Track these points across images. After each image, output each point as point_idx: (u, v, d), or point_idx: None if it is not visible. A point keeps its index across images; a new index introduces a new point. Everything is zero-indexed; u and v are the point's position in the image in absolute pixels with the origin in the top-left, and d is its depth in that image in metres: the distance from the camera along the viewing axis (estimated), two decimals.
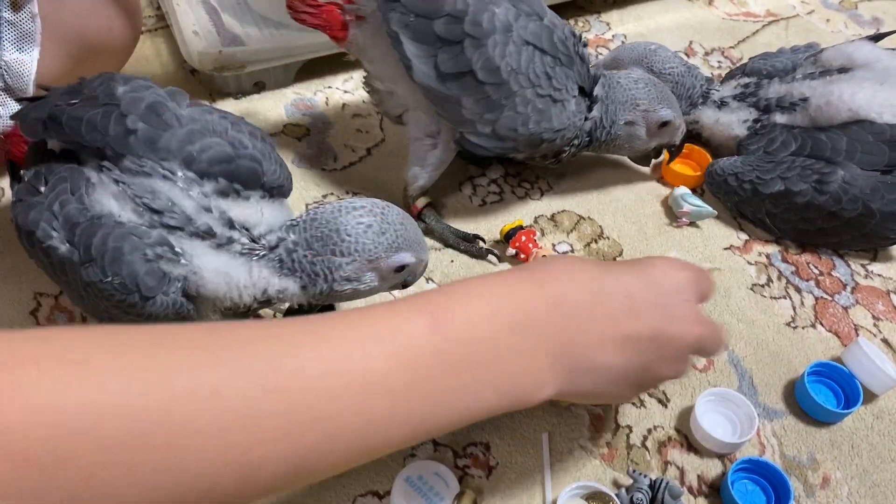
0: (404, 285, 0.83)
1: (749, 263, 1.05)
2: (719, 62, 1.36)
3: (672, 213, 1.10)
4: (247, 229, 0.74)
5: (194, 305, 0.74)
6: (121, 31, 1.05)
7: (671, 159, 1.10)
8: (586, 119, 0.99)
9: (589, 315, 0.60)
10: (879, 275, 1.05)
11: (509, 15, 0.91)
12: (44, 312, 0.92)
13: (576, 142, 1.01)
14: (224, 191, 0.74)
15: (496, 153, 1.00)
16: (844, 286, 1.04)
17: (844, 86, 1.04)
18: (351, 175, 1.12)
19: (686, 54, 1.37)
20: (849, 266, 1.06)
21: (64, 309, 0.92)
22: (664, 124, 1.02)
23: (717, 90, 1.12)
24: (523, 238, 1.01)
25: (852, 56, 1.09)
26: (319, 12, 0.96)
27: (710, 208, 1.07)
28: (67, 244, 0.71)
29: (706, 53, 1.38)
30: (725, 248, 1.07)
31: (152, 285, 0.69)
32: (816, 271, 1.05)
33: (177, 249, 0.70)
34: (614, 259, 1.04)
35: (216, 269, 0.72)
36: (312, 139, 1.16)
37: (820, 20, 1.48)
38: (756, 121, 1.09)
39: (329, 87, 1.23)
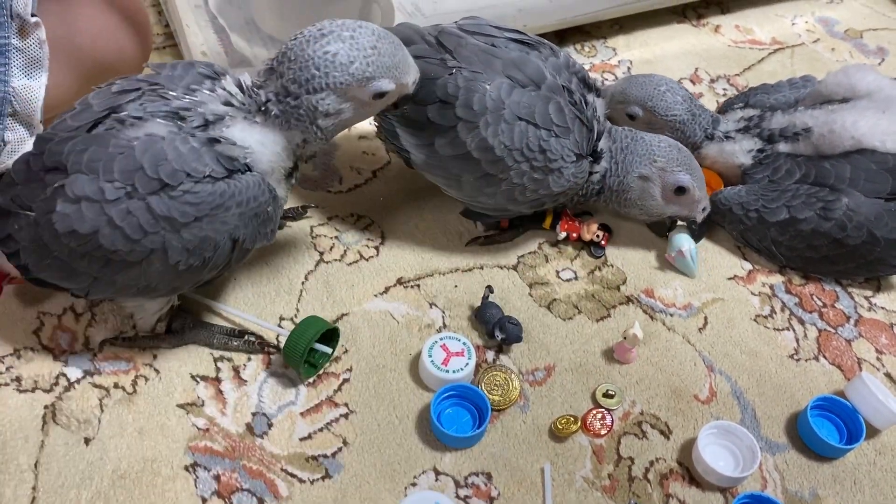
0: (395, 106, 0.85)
1: (753, 294, 1.05)
2: (724, 90, 1.37)
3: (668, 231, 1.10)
4: (250, 87, 0.79)
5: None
6: (131, 52, 1.06)
7: (697, 240, 1.06)
8: (591, 173, 0.99)
9: None
10: (883, 307, 1.05)
11: (501, 91, 0.91)
12: (46, 332, 0.92)
13: (582, 192, 1.01)
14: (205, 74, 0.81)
15: (503, 218, 1.03)
16: (848, 318, 1.03)
17: (847, 115, 1.05)
18: (356, 197, 1.12)
19: (692, 81, 1.38)
20: (852, 298, 1.06)
21: (67, 329, 0.92)
22: (681, 190, 0.98)
23: (722, 130, 1.12)
24: (569, 220, 1.07)
25: (855, 86, 1.09)
26: None
27: (696, 269, 1.05)
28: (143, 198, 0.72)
29: (712, 81, 1.39)
30: (729, 279, 1.07)
31: (227, 167, 0.75)
32: (820, 303, 1.05)
33: (219, 135, 0.76)
34: (617, 287, 1.04)
35: (260, 142, 0.78)
36: (318, 161, 1.16)
37: (825, 49, 1.48)
38: (760, 150, 1.09)
39: None
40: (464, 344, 0.91)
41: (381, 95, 0.79)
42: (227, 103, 0.78)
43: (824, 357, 0.99)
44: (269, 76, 0.78)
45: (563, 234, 1.06)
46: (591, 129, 0.97)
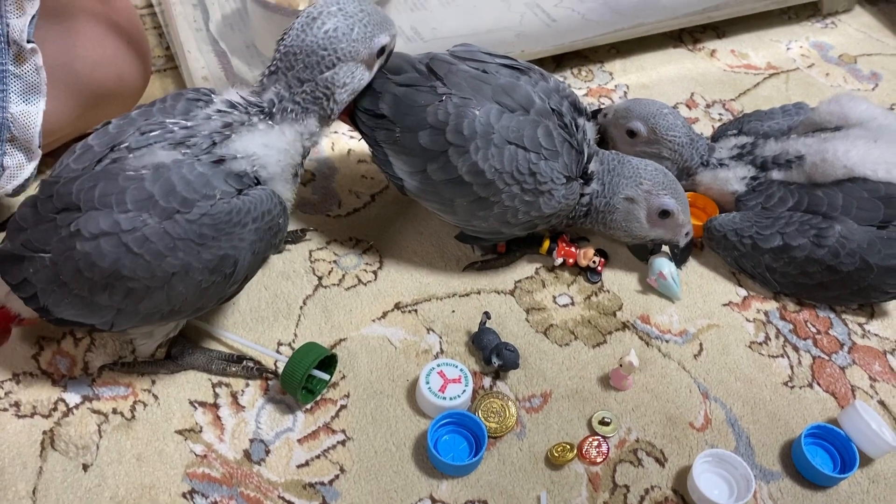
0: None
1: (748, 321, 1.06)
2: (720, 114, 1.38)
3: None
4: (244, 98, 0.83)
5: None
6: (131, 78, 1.07)
7: (679, 265, 1.07)
8: (583, 195, 1.01)
9: None
10: (876, 334, 1.06)
11: (490, 116, 0.93)
12: (45, 357, 0.92)
13: (572, 214, 1.02)
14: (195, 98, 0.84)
15: (497, 241, 1.05)
16: (842, 345, 1.04)
17: (839, 143, 1.06)
18: (355, 221, 1.13)
19: (687, 106, 1.39)
20: (846, 325, 1.07)
21: (66, 354, 0.93)
22: (665, 214, 1.00)
23: (717, 157, 1.13)
24: (565, 246, 1.07)
25: (847, 115, 1.11)
26: None
27: (679, 291, 1.06)
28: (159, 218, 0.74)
29: (707, 105, 1.40)
30: (724, 305, 1.08)
31: (237, 186, 0.78)
32: (814, 329, 1.06)
33: (224, 153, 0.79)
34: (613, 313, 1.05)
35: (264, 145, 0.81)
36: (318, 184, 1.17)
37: (819, 74, 1.50)
38: (754, 178, 1.11)
39: (335, 132, 1.25)
40: (461, 370, 0.92)
41: (382, 51, 0.86)
42: (225, 122, 0.81)
43: (818, 384, 0.99)
44: (270, 80, 0.83)
45: (560, 260, 1.07)
46: (580, 151, 0.99)
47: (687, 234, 1.03)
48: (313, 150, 1.18)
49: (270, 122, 0.83)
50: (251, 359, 0.93)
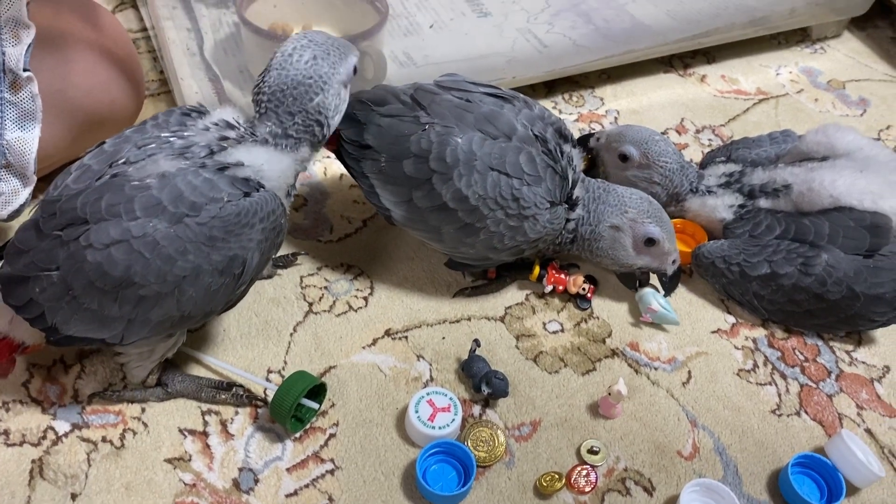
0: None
1: (736, 348, 1.06)
2: (710, 140, 1.40)
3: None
4: (237, 121, 0.86)
5: None
6: (124, 103, 1.08)
7: (666, 294, 1.08)
8: (568, 220, 1.02)
9: None
10: (864, 362, 1.07)
11: (473, 143, 0.95)
12: (35, 385, 0.92)
13: (557, 240, 1.03)
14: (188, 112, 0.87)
15: (486, 267, 1.06)
16: (829, 373, 1.05)
17: (826, 173, 1.07)
18: (346, 247, 1.13)
19: (678, 132, 1.40)
20: (833, 352, 1.08)
21: (56, 381, 0.93)
22: (650, 242, 1.01)
23: (705, 184, 1.14)
24: (554, 272, 1.08)
25: (834, 145, 1.12)
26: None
27: (675, 316, 1.06)
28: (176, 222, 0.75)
29: (697, 131, 1.41)
30: (713, 332, 1.08)
31: (243, 188, 0.80)
32: (802, 357, 1.06)
33: (227, 161, 0.81)
34: (603, 340, 1.05)
35: (265, 160, 0.83)
36: (309, 209, 1.18)
37: (808, 99, 1.52)
38: (742, 206, 1.12)
39: (328, 157, 1.25)
40: (450, 399, 0.92)
41: (354, 70, 0.90)
42: (222, 135, 0.83)
43: (806, 413, 1.00)
44: (262, 122, 0.85)
45: (550, 287, 1.08)
46: (564, 177, 1.00)
47: (674, 261, 1.04)
48: (304, 175, 1.20)
49: (274, 143, 0.86)
50: (241, 386, 0.93)
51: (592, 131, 1.22)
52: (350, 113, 1.00)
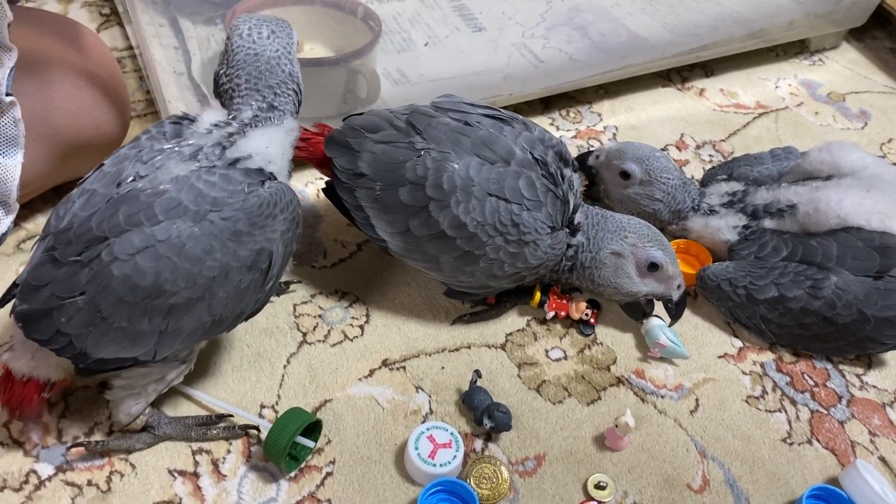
0: None
1: (744, 373, 1.03)
2: (710, 156, 1.37)
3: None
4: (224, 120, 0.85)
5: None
6: (109, 127, 1.04)
7: (672, 321, 1.04)
8: (569, 245, 0.99)
9: None
10: (875, 386, 1.04)
11: (470, 169, 0.92)
12: (17, 425, 0.88)
13: (557, 268, 1.00)
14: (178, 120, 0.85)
15: (486, 295, 1.03)
16: (840, 398, 1.02)
17: (831, 193, 1.04)
18: (341, 273, 1.10)
19: (677, 148, 1.38)
20: (843, 377, 1.05)
21: (39, 422, 0.89)
22: (654, 266, 0.98)
23: (707, 203, 1.12)
24: (556, 298, 1.05)
25: (838, 164, 1.09)
26: (306, 145, 0.97)
27: (685, 350, 1.03)
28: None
29: (697, 147, 1.39)
30: (720, 357, 1.05)
31: (259, 178, 0.80)
32: (811, 382, 1.03)
33: (237, 155, 0.81)
34: (608, 368, 1.02)
35: (267, 141, 0.83)
36: (302, 234, 1.14)
37: (808, 112, 1.49)
38: (746, 226, 1.09)
39: (321, 178, 1.22)
40: (451, 434, 0.89)
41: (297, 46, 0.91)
42: (225, 133, 0.82)
43: (817, 440, 0.97)
44: (244, 103, 0.84)
45: (552, 314, 1.04)
46: (565, 201, 0.97)
47: (679, 286, 1.01)
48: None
49: (266, 118, 0.85)
50: (230, 415, 0.90)
51: (591, 149, 1.19)
52: (343, 141, 0.97)
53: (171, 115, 0.89)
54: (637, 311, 1.04)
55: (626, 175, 1.11)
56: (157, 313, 0.75)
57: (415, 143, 0.94)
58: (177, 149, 0.79)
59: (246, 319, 0.85)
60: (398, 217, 0.95)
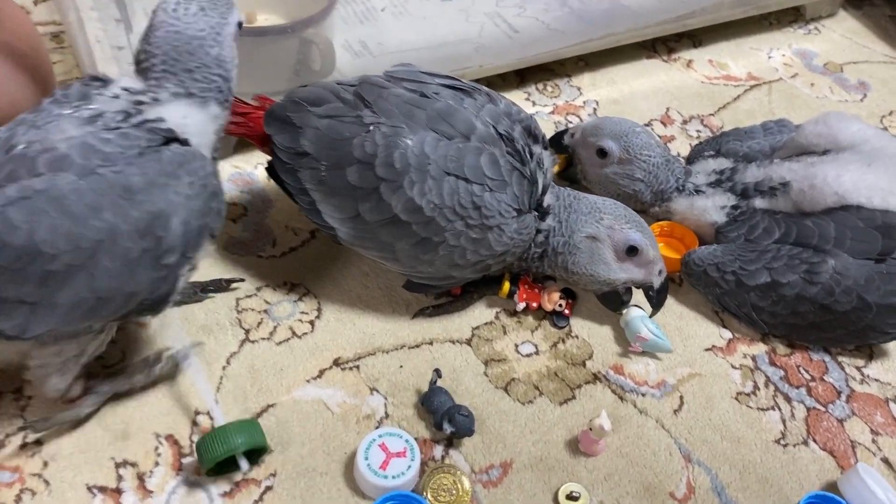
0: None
1: (733, 367, 0.94)
2: (698, 131, 1.27)
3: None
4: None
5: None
6: (26, 104, 0.93)
7: (654, 311, 0.94)
8: (539, 231, 0.89)
9: None
10: (877, 379, 0.95)
11: (425, 145, 0.83)
12: None
13: (525, 255, 0.91)
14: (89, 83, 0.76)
15: (448, 287, 0.93)
16: (839, 393, 0.93)
17: (828, 168, 0.95)
18: (291, 263, 1.00)
19: (662, 123, 1.28)
20: (842, 369, 0.96)
21: None
22: (633, 250, 0.88)
23: (693, 182, 1.02)
24: (527, 287, 0.95)
25: (836, 137, 1.00)
26: (245, 121, 0.87)
27: (669, 343, 0.93)
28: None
29: (684, 121, 1.29)
30: (707, 349, 0.96)
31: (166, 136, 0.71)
32: (808, 376, 0.94)
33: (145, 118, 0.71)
34: (583, 363, 0.93)
35: (183, 115, 0.73)
36: (249, 220, 1.04)
37: (804, 84, 1.39)
38: (735, 206, 1.00)
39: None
40: (406, 442, 0.80)
41: (240, 26, 0.79)
42: (136, 100, 0.73)
43: (814, 441, 0.88)
44: (160, 83, 0.74)
45: (523, 305, 0.95)
46: (533, 181, 0.87)
47: (660, 272, 0.91)
48: (244, 180, 1.07)
49: (180, 98, 0.75)
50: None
51: (567, 126, 1.10)
52: (283, 116, 0.87)
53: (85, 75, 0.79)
54: (615, 300, 0.94)
55: (602, 153, 1.02)
56: (29, 278, 0.65)
57: (363, 117, 0.84)
58: (76, 114, 0.70)
59: (150, 312, 0.75)
60: (346, 201, 0.85)
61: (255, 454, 0.79)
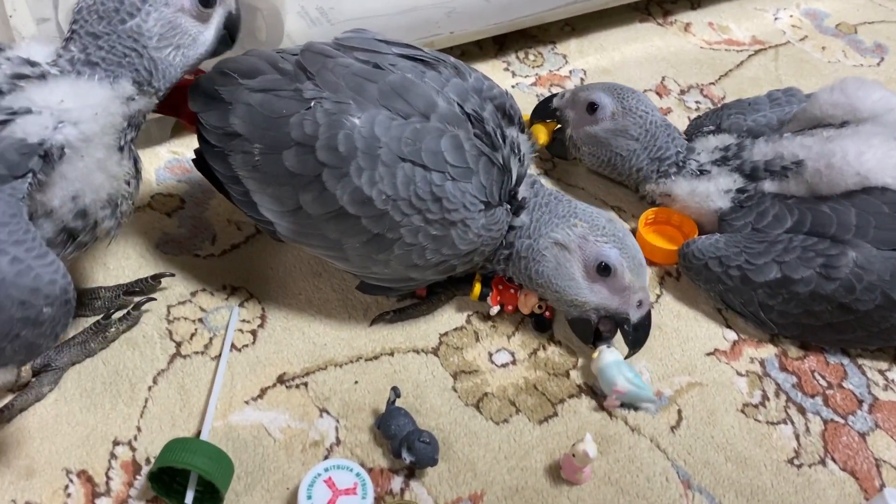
0: (231, 38, 0.74)
1: (738, 374, 0.83)
2: (697, 102, 1.14)
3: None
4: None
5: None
6: None
7: (630, 351, 0.80)
8: (511, 227, 0.77)
9: None
10: None
11: (376, 125, 0.70)
12: None
13: (491, 257, 0.79)
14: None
15: (407, 290, 0.82)
16: (860, 403, 0.81)
17: (848, 144, 0.83)
18: (232, 262, 0.88)
19: (658, 94, 1.15)
20: (864, 374, 0.84)
21: None
22: (605, 270, 0.75)
23: (697, 159, 0.90)
24: (501, 288, 0.84)
25: (856, 106, 0.88)
26: (169, 97, 0.74)
27: (650, 392, 0.77)
28: None
29: (682, 92, 1.16)
30: (708, 354, 0.84)
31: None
32: (824, 383, 0.83)
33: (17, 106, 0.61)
34: (566, 374, 0.81)
35: (74, 94, 0.64)
36: (186, 214, 0.92)
37: (814, 48, 1.26)
38: (741, 190, 0.88)
39: None
40: (357, 475, 0.68)
41: (209, 4, 0.69)
42: (17, 72, 0.64)
43: (833, 460, 0.77)
44: (67, 44, 0.67)
45: (497, 309, 0.83)
46: (504, 169, 0.75)
47: (640, 303, 0.77)
48: (182, 167, 0.95)
49: (77, 71, 0.66)
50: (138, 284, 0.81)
51: (556, 93, 0.98)
52: (211, 90, 0.74)
53: None
54: (584, 330, 0.80)
55: (593, 107, 0.92)
56: None
57: (303, 91, 0.72)
58: None
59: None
60: (285, 190, 0.73)
61: (207, 496, 0.67)
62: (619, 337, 0.80)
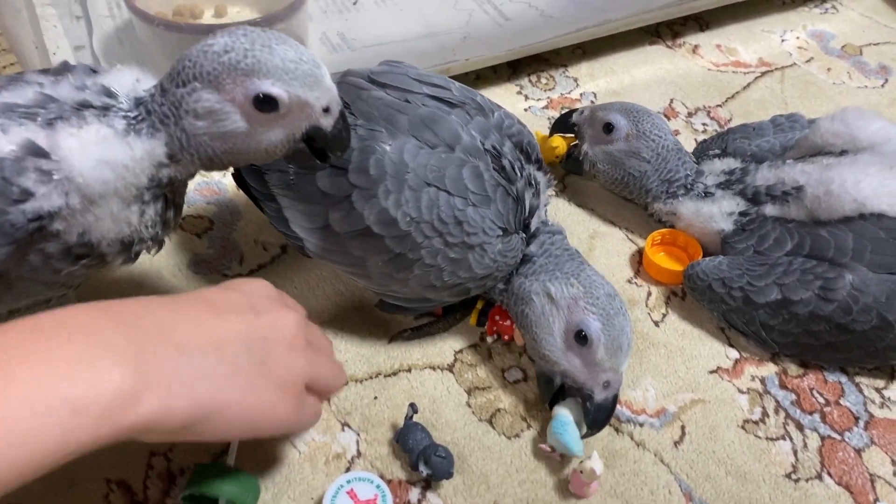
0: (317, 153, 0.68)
1: (740, 392, 0.86)
2: (704, 124, 1.18)
3: None
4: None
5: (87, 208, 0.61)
6: None
7: (588, 431, 0.77)
8: (524, 258, 0.81)
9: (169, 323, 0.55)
10: None
11: (405, 152, 0.74)
12: None
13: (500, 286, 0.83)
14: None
15: (423, 310, 0.86)
16: (856, 420, 0.85)
17: (846, 172, 0.86)
18: None
19: (666, 115, 1.19)
20: (860, 391, 0.87)
21: None
22: (582, 339, 0.75)
23: (704, 183, 0.94)
24: (497, 318, 0.87)
25: (855, 136, 0.91)
26: None
27: (579, 448, 0.75)
28: None
29: (689, 114, 1.19)
30: (711, 372, 0.88)
31: None
32: (822, 400, 0.86)
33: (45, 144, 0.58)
34: None
35: (82, 146, 0.59)
36: (215, 235, 0.97)
37: (820, 70, 1.29)
38: (743, 213, 0.91)
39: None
40: (377, 487, 0.73)
41: (266, 104, 0.61)
42: (85, 100, 0.61)
43: (829, 474, 0.80)
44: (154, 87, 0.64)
45: (492, 338, 0.87)
46: (519, 200, 0.79)
47: (607, 384, 0.76)
48: (211, 190, 1.00)
49: (128, 126, 0.62)
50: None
51: (577, 108, 1.03)
52: None
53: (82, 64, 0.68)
54: (545, 387, 0.80)
55: (609, 128, 0.96)
56: None
57: None
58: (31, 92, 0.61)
59: None
60: (316, 208, 0.77)
61: None
62: None
